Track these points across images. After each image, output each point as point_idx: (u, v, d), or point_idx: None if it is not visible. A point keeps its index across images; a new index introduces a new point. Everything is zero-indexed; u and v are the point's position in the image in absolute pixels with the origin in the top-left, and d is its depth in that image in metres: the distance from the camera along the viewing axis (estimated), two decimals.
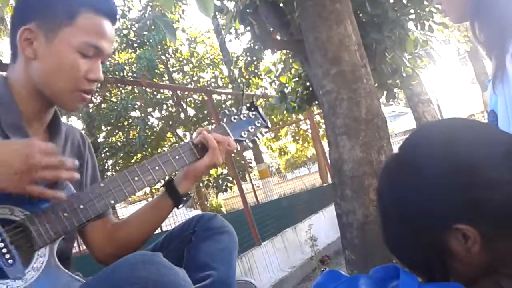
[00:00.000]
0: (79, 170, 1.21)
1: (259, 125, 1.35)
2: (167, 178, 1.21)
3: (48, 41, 1.05)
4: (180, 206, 1.26)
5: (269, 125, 1.38)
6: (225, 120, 1.30)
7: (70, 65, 1.06)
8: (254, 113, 1.35)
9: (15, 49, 1.09)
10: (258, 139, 1.35)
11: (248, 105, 1.37)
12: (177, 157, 1.18)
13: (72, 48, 1.06)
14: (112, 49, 1.14)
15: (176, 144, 14.86)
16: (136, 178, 1.11)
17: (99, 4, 1.09)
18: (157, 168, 1.14)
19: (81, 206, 1.02)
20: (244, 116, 1.33)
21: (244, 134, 1.32)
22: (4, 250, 0.91)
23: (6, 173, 0.88)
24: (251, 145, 1.34)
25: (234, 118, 1.32)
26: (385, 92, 4.45)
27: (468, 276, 0.73)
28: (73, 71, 1.06)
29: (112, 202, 1.07)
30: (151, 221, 1.26)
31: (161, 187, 1.28)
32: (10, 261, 0.91)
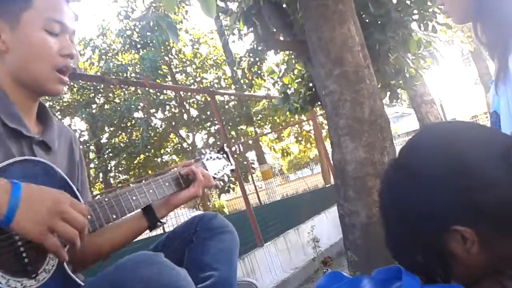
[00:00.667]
0: (73, 164, 1.23)
1: (228, 167, 1.54)
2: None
3: (13, 30, 1.07)
4: (152, 230, 1.34)
5: (234, 168, 1.58)
6: (204, 158, 1.48)
7: (40, 45, 1.08)
8: (224, 155, 1.55)
9: None
10: (225, 180, 1.54)
11: (218, 148, 1.57)
12: (167, 184, 1.28)
13: (37, 28, 1.08)
14: (74, 26, 1.15)
15: (179, 145, 14.87)
16: (134, 198, 1.17)
17: None
18: (151, 191, 1.23)
19: (89, 217, 1.03)
20: (218, 157, 1.53)
21: (218, 173, 1.49)
22: (22, 249, 0.93)
23: (33, 214, 0.87)
24: (221, 184, 1.53)
25: (210, 157, 1.50)
26: (388, 93, 4.45)
27: (469, 277, 0.73)
28: (45, 49, 1.08)
29: (114, 217, 1.11)
30: (123, 238, 1.28)
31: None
32: (26, 260, 0.92)
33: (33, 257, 0.93)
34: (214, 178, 1.44)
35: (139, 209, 1.19)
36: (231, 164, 1.55)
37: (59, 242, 0.91)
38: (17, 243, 0.92)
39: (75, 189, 1.07)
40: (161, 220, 1.31)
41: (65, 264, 0.99)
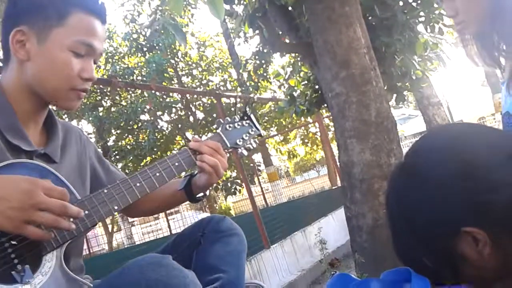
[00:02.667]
0: (83, 163, 1.23)
1: (252, 133, 1.39)
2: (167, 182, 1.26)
3: (40, 42, 1.06)
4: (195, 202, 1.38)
5: (262, 133, 1.44)
6: (220, 128, 1.35)
7: (63, 64, 1.07)
8: (247, 121, 1.40)
9: (7, 52, 1.10)
10: (253, 146, 1.40)
11: (241, 114, 1.42)
12: (176, 163, 1.22)
13: (64, 48, 1.06)
14: (103, 48, 1.15)
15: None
16: (138, 184, 1.13)
17: (89, 4, 1.10)
18: (157, 174, 1.17)
19: (86, 212, 1.03)
20: (238, 125, 1.38)
21: (239, 141, 1.36)
22: (13, 255, 0.92)
23: (3, 208, 0.85)
24: (245, 152, 1.38)
25: (229, 126, 1.36)
26: (394, 95, 4.43)
27: (480, 279, 0.72)
28: (67, 70, 1.07)
29: (116, 207, 1.08)
30: (170, 204, 1.42)
31: (180, 189, 1.32)
32: (19, 266, 0.91)
33: (26, 261, 0.92)
34: (236, 147, 1.34)
35: (143, 195, 1.13)
36: (257, 129, 1.40)
37: (39, 230, 0.90)
38: (6, 250, 0.91)
39: (72, 189, 1.05)
40: (199, 197, 1.34)
41: (64, 265, 0.99)
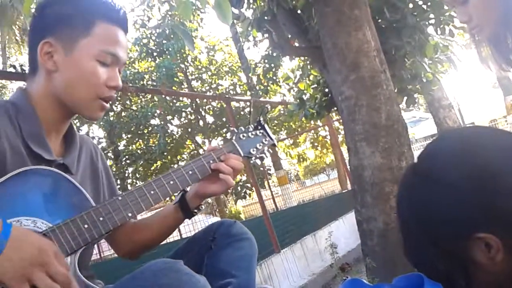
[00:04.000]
0: (96, 176, 1.24)
1: (266, 142, 1.40)
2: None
3: (67, 53, 1.09)
4: (190, 218, 1.33)
5: (276, 143, 1.44)
6: (234, 137, 1.36)
7: (90, 74, 1.10)
8: (261, 131, 1.40)
9: (35, 63, 1.13)
10: (266, 156, 1.40)
11: (255, 124, 1.42)
12: (190, 172, 1.22)
13: (91, 57, 1.10)
14: (126, 57, 1.18)
15: (195, 152, 14.90)
16: (152, 192, 1.14)
17: (113, 14, 1.14)
18: (171, 182, 1.18)
19: (101, 219, 1.04)
20: (252, 134, 1.38)
21: (253, 151, 1.37)
22: None
23: (14, 257, 0.84)
24: (259, 162, 1.39)
25: (243, 136, 1.37)
26: (405, 98, 4.41)
27: (493, 285, 0.71)
28: (94, 79, 1.10)
29: (130, 215, 1.09)
30: (167, 229, 1.33)
31: (174, 203, 1.32)
32: None
33: None
34: (249, 157, 1.36)
35: (156, 203, 1.15)
36: (271, 139, 1.40)
37: None
38: None
39: (87, 195, 1.07)
40: (195, 211, 1.32)
41: (77, 270, 0.99)
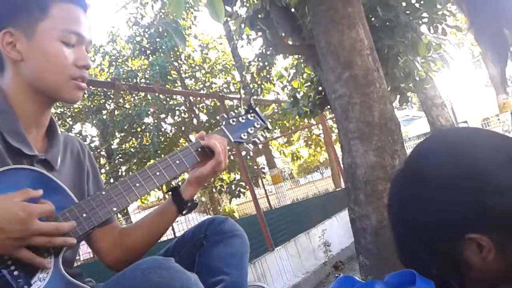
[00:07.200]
0: (81, 176, 1.21)
1: (258, 126, 1.35)
2: (170, 183, 1.22)
3: (29, 39, 1.07)
4: (184, 213, 1.25)
5: (269, 126, 1.39)
6: (224, 123, 1.32)
7: (56, 56, 1.08)
8: (253, 115, 1.35)
9: (0, 58, 1.10)
10: (259, 140, 1.35)
11: (246, 107, 1.36)
12: (177, 161, 1.18)
13: (53, 40, 1.08)
14: (90, 35, 1.15)
15: None
16: (137, 185, 1.11)
17: None
18: (157, 173, 1.14)
19: (84, 215, 1.02)
20: (243, 119, 1.34)
21: (244, 136, 1.32)
22: (9, 262, 0.91)
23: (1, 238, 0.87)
24: (251, 146, 1.34)
25: (233, 121, 1.32)
26: (398, 96, 4.42)
27: (485, 285, 0.71)
28: (61, 61, 1.08)
29: (115, 209, 1.07)
30: (158, 227, 1.27)
31: (166, 192, 1.29)
32: (16, 272, 0.91)
33: (23, 267, 0.92)
34: (240, 142, 1.31)
35: (142, 195, 1.12)
36: (264, 123, 1.35)
37: (29, 252, 0.91)
38: (3, 257, 0.91)
39: (69, 192, 1.05)
40: (190, 200, 1.26)
41: (62, 270, 0.98)
